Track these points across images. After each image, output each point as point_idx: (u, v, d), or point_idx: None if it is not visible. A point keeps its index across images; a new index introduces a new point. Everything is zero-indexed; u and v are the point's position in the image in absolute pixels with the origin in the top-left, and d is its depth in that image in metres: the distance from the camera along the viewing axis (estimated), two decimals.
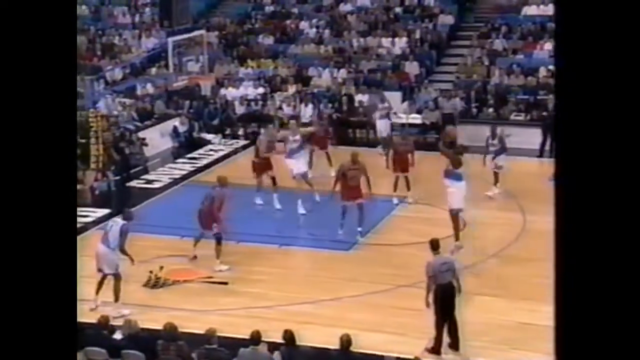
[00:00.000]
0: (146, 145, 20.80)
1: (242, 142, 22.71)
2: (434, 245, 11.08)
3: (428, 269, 10.78)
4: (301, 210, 16.35)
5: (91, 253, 12.42)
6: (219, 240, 13.91)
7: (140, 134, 21.28)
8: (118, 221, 12.68)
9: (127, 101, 23.58)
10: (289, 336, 9.57)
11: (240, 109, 24.23)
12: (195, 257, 14.15)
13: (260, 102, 24.34)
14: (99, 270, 12.36)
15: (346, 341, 9.45)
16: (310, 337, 10.55)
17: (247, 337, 9.64)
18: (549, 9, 25.85)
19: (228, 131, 23.52)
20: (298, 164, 16.81)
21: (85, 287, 11.71)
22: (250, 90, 24.78)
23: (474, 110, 22.92)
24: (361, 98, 23.64)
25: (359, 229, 15.06)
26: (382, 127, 20.67)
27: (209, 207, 13.97)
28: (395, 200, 16.94)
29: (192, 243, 14.34)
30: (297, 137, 17.03)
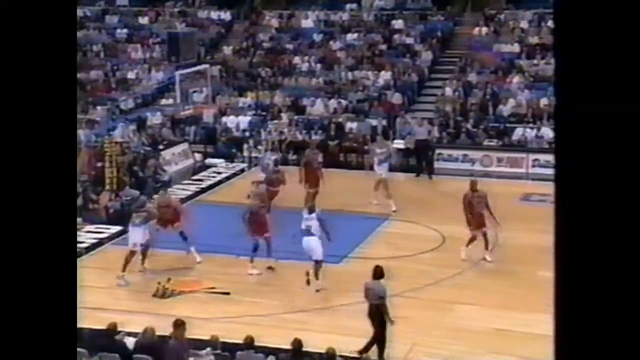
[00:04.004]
0: (164, 170, 20.80)
1: (240, 165, 22.67)
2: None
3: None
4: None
5: (107, 266, 12.27)
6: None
7: (164, 154, 21.75)
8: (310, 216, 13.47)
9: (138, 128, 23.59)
10: (296, 344, 9.59)
11: (238, 135, 24.15)
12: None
13: (256, 129, 24.27)
14: None
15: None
16: (305, 342, 10.44)
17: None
18: (515, 48, 26.20)
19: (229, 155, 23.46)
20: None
21: (102, 297, 11.70)
22: (248, 118, 24.73)
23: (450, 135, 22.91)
24: (350, 125, 23.68)
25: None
26: (382, 170, 18.38)
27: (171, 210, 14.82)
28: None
29: (197, 258, 14.43)
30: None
